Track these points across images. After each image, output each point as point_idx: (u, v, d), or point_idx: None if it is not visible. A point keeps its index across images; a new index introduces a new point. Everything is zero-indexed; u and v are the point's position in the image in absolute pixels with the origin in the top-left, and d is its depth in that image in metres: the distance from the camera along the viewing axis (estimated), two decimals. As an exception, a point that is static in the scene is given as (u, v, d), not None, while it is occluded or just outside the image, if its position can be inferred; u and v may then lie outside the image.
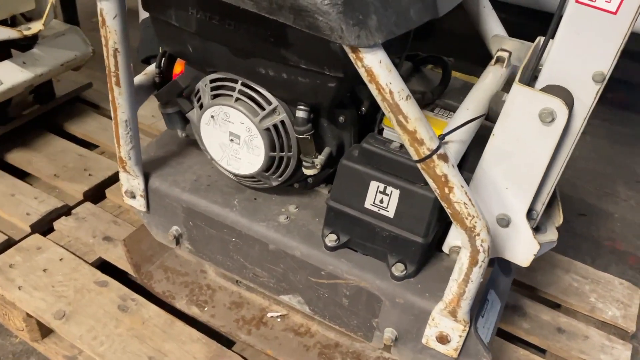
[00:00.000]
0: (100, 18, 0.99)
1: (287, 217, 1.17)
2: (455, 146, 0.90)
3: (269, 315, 1.34)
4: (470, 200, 0.85)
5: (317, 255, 1.12)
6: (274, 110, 1.06)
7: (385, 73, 0.80)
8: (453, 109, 1.12)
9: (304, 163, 1.10)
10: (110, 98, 1.10)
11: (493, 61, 1.13)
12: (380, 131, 1.14)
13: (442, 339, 1.03)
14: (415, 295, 1.05)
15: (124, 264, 1.46)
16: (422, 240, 1.03)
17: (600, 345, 1.38)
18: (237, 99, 1.07)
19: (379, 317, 1.11)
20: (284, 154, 1.10)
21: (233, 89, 1.07)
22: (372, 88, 0.82)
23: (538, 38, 1.04)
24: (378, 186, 1.03)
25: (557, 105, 0.86)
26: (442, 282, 1.06)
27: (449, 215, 0.88)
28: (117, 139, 1.16)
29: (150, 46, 1.44)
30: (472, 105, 0.99)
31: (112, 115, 1.12)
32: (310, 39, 0.87)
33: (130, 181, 1.24)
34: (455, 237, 1.08)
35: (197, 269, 1.44)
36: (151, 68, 1.22)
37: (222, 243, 1.22)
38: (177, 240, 1.29)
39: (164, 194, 1.23)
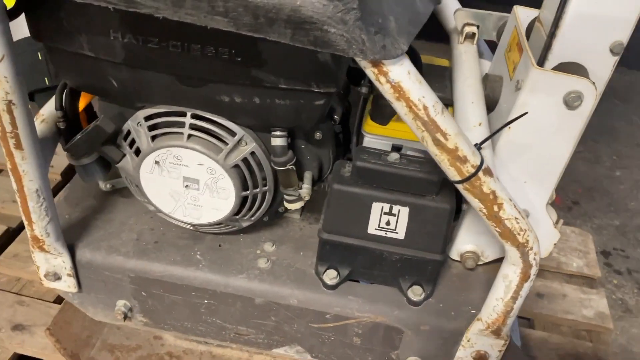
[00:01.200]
0: (-22, 63, 0.69)
1: (267, 260, 0.97)
2: (489, 154, 0.78)
3: (254, 369, 1.14)
4: (520, 213, 0.74)
5: (318, 299, 0.94)
6: (239, 142, 0.84)
7: (417, 86, 0.64)
8: (435, 100, 0.99)
9: (287, 197, 0.91)
10: (8, 166, 0.80)
11: (461, 38, 1.01)
12: (359, 139, 0.97)
13: (481, 358, 0.93)
14: (441, 317, 0.93)
15: (51, 355, 1.16)
16: (440, 257, 0.90)
17: (579, 300, 1.39)
18: (190, 136, 0.83)
19: (400, 349, 0.98)
20: (258, 190, 0.89)
21: (182, 125, 0.83)
22: (399, 106, 0.65)
23: (515, 8, 0.94)
24: (382, 207, 0.87)
25: (585, 86, 0.76)
26: (461, 293, 0.96)
27: (497, 234, 0.75)
28: (27, 215, 0.86)
29: (32, 78, 1.11)
30: (475, 97, 0.86)
31: (16, 186, 0.83)
32: (292, 52, 0.67)
33: (51, 261, 0.95)
34: (465, 242, 0.96)
35: (149, 337, 1.18)
36: (48, 111, 0.92)
37: (190, 308, 0.99)
38: (126, 315, 1.03)
39: (101, 266, 0.96)
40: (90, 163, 0.94)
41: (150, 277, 0.96)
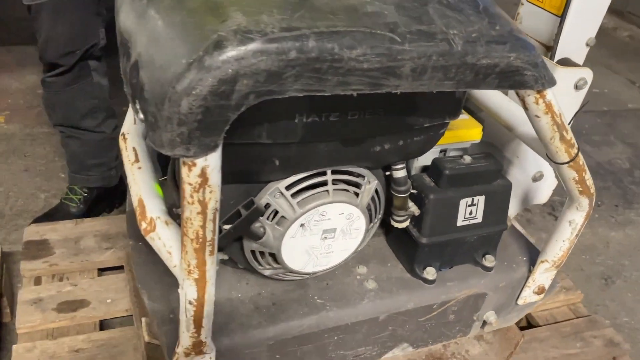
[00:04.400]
0: (199, 179, 0.65)
1: (372, 280, 1.07)
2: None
3: (348, 384, 1.22)
4: (589, 173, 1.01)
5: (427, 295, 1.09)
6: (367, 182, 0.93)
7: (556, 102, 0.84)
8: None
9: (396, 218, 1.02)
10: (195, 276, 0.75)
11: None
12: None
13: (541, 290, 1.20)
14: (510, 272, 1.16)
15: None
16: (505, 226, 1.13)
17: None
18: (333, 191, 0.88)
19: (481, 309, 1.19)
20: (377, 219, 0.99)
21: (324, 183, 0.88)
22: (545, 117, 0.84)
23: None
24: (467, 201, 1.06)
25: (588, 73, 1.06)
26: (508, 249, 1.21)
27: (578, 192, 1.01)
28: (198, 323, 0.81)
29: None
30: (505, 97, 1.09)
31: (196, 295, 0.77)
32: (439, 95, 0.82)
33: (197, 363, 0.89)
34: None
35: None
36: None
37: (319, 351, 1.04)
38: (253, 386, 1.01)
39: (242, 346, 0.94)
40: (207, 249, 0.90)
41: (290, 336, 0.97)
